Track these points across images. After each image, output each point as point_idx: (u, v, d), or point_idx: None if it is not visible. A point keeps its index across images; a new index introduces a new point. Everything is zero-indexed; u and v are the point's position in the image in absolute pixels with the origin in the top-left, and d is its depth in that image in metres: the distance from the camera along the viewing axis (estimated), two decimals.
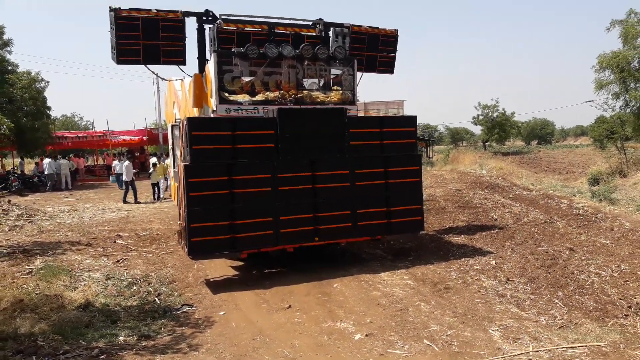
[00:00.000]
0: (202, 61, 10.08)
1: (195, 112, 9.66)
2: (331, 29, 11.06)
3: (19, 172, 27.36)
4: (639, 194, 15.24)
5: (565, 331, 6.04)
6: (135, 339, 5.99)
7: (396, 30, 11.87)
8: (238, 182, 8.04)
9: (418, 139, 12.47)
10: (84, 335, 6.02)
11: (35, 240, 11.28)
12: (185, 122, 8.08)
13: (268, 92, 9.15)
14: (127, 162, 19.10)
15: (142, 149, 35.12)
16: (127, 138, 33.46)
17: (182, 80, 11.15)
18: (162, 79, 12.23)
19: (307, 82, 9.78)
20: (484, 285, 7.72)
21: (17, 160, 31.58)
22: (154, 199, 18.69)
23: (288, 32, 10.74)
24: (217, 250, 8.02)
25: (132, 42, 9.65)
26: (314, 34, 10.96)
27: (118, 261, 9.49)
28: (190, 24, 9.96)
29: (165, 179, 18.79)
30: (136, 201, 18.17)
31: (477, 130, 63.50)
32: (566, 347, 5.53)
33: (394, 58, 12.05)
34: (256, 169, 8.20)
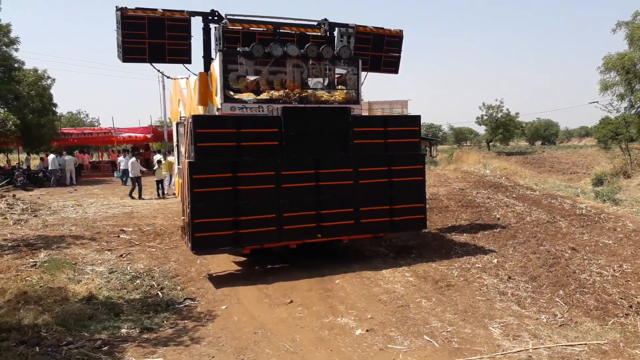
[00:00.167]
0: (207, 60, 10.16)
1: (200, 110, 9.73)
2: (336, 29, 11.11)
3: (25, 168, 27.56)
4: None
5: (565, 329, 6.07)
6: (138, 331, 6.06)
7: (401, 31, 11.91)
8: (242, 179, 8.10)
9: (422, 139, 12.50)
10: (87, 327, 6.09)
11: (40, 234, 11.37)
12: (190, 120, 8.14)
13: (273, 91, 9.20)
14: (132, 159, 19.20)
15: (147, 146, 35.25)
16: (132, 135, 33.59)
17: (187, 78, 11.22)
18: (168, 77, 12.34)
19: (311, 82, 9.82)
20: (485, 283, 7.76)
21: (23, 156, 31.79)
22: (158, 195, 18.77)
23: (293, 32, 10.80)
24: (220, 245, 8.08)
25: (138, 40, 9.73)
26: (319, 34, 11.01)
27: (121, 255, 9.56)
28: (196, 24, 10.06)
29: (170, 175, 18.87)
30: (140, 197, 18.26)
31: (481, 130, 63.39)
32: (566, 345, 5.57)
33: (398, 58, 12.09)
34: (260, 167, 8.25)
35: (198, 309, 6.89)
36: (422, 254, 9.48)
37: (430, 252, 9.61)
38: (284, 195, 8.36)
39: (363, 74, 10.19)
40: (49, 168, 24.77)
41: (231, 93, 8.84)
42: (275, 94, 9.15)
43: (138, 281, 8.03)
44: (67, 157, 25.96)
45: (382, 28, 11.65)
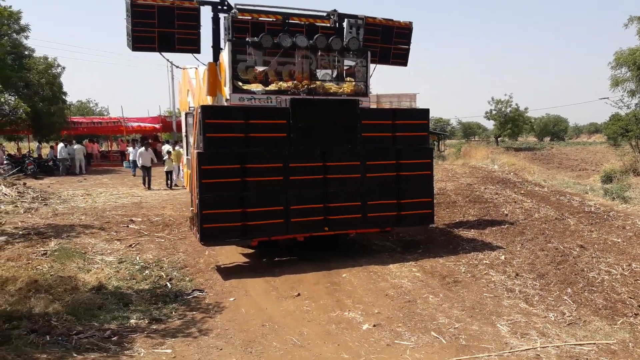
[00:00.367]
0: (216, 50, 10.12)
1: (209, 101, 9.72)
2: (345, 20, 11.03)
3: (36, 156, 27.74)
4: None
5: (573, 328, 6.05)
6: (147, 322, 6.11)
7: (410, 23, 11.81)
8: (250, 171, 8.11)
9: (430, 133, 12.42)
10: (96, 316, 6.15)
11: (50, 222, 11.46)
12: (199, 110, 8.14)
13: (281, 82, 9.18)
14: (142, 149, 19.22)
15: (156, 137, 35.35)
16: (141, 125, 33.71)
17: (196, 68, 11.20)
18: (177, 67, 12.26)
19: (320, 73, 9.78)
20: (493, 279, 7.74)
21: (34, 144, 32.00)
22: (167, 186, 18.83)
23: (302, 23, 10.73)
24: (228, 237, 8.11)
25: (148, 29, 9.69)
26: (328, 25, 10.94)
27: (131, 245, 9.62)
28: (206, 13, 10.00)
29: (179, 166, 18.91)
30: (149, 187, 18.34)
31: (490, 125, 63.01)
32: (574, 344, 5.55)
33: (407, 50, 11.99)
34: (268, 158, 8.25)
35: (206, 301, 6.93)
36: (429, 249, 9.47)
37: (438, 248, 9.59)
38: (291, 188, 8.36)
39: (372, 66, 10.13)
40: (58, 157, 24.94)
41: (240, 84, 8.83)
42: (284, 85, 9.12)
43: (147, 271, 8.08)
44: (76, 146, 26.10)
45: (392, 20, 11.54)
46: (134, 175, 22.27)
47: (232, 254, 9.30)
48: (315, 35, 9.19)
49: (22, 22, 26.31)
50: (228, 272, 8.21)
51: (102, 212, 12.90)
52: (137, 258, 8.79)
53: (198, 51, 10.21)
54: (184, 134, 13.24)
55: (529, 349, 5.39)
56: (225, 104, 8.84)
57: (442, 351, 5.39)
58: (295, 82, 9.14)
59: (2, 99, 20.33)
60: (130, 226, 11.26)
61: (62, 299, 6.53)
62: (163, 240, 10.17)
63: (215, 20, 10.11)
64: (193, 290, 7.34)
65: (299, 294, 7.12)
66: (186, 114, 12.44)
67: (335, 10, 10.83)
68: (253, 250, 9.44)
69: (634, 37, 20.74)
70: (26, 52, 26.97)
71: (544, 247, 9.23)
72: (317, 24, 10.86)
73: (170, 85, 37.60)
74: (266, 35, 8.93)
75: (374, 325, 6.02)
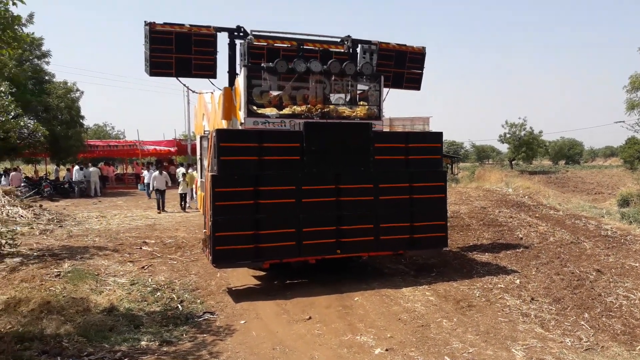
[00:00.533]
0: (232, 75, 10.30)
1: (224, 124, 9.85)
2: (359, 45, 11.18)
3: (54, 178, 28.18)
4: None
5: (591, 354, 5.92)
6: (157, 344, 6.09)
7: (424, 48, 11.92)
8: (263, 193, 8.15)
9: (443, 156, 12.41)
10: (107, 338, 6.15)
11: (64, 244, 11.57)
12: (214, 134, 8.25)
13: (295, 106, 9.28)
14: (156, 173, 19.38)
15: (171, 160, 35.74)
16: (157, 148, 34.15)
17: (212, 93, 11.38)
18: (193, 91, 12.48)
19: (333, 97, 9.88)
20: (508, 304, 7.62)
21: (51, 167, 32.53)
22: (181, 208, 18.92)
23: (316, 49, 10.91)
24: (240, 259, 8.11)
25: (165, 55, 9.91)
26: (342, 50, 11.09)
27: (143, 267, 9.66)
28: (222, 39, 10.21)
29: (191, 189, 19.05)
30: (163, 210, 18.46)
31: (504, 148, 62.74)
32: None
33: (421, 75, 12.08)
34: (281, 181, 8.29)
35: (217, 323, 6.90)
36: (443, 273, 9.36)
37: (452, 271, 9.48)
38: (304, 210, 8.37)
39: (385, 90, 10.21)
40: (74, 179, 25.32)
41: (254, 108, 8.94)
42: (298, 109, 9.22)
43: (158, 293, 8.09)
44: (91, 169, 26.47)
45: (405, 45, 11.68)
46: (149, 198, 22.46)
47: (244, 277, 9.29)
48: (329, 61, 9.32)
49: (44, 48, 27.09)
50: (239, 295, 8.19)
51: (115, 234, 13.01)
52: (149, 280, 8.82)
53: (214, 76, 10.41)
54: (198, 157, 13.38)
55: None
56: (240, 127, 8.95)
57: None
58: (309, 106, 9.23)
59: (22, 123, 20.76)
60: (143, 248, 11.32)
61: (73, 320, 6.56)
62: (175, 262, 10.20)
63: (232, 47, 10.32)
64: (204, 313, 7.32)
65: (310, 317, 7.06)
66: (201, 138, 12.60)
67: (349, 36, 11.00)
68: (264, 273, 9.42)
69: None
70: (46, 77, 27.68)
71: (559, 271, 9.08)
72: (331, 49, 11.02)
73: (186, 110, 38.20)
74: (281, 60, 9.07)
75: (387, 350, 5.94)
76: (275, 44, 10.71)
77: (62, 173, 30.71)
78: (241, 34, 10.26)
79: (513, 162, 57.09)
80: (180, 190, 19.06)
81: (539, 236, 12.11)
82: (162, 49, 9.84)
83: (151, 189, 19.92)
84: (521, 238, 12.05)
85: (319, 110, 9.19)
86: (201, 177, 12.23)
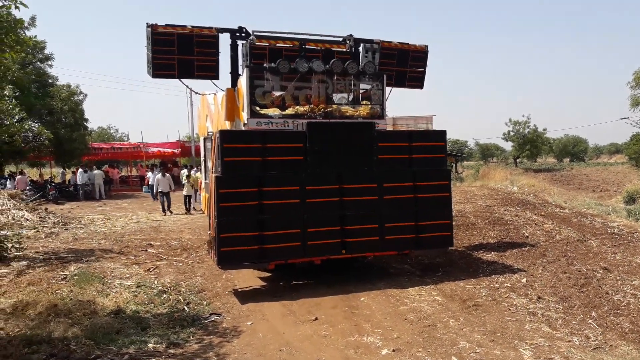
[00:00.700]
0: (234, 76, 10.30)
1: (227, 125, 9.85)
2: (361, 45, 11.16)
3: (60, 182, 28.29)
4: None
5: (599, 353, 5.88)
6: (164, 346, 6.09)
7: (426, 46, 11.90)
8: (267, 194, 8.14)
9: (447, 154, 12.37)
10: (114, 341, 6.15)
11: (70, 247, 11.60)
12: (217, 135, 8.25)
13: (298, 106, 9.26)
14: (159, 175, 19.37)
15: (175, 162, 35.82)
16: (161, 150, 34.24)
17: (215, 94, 11.39)
18: (196, 92, 12.52)
19: (336, 97, 9.86)
20: (515, 303, 7.58)
21: (55, 170, 32.65)
22: (187, 210, 18.94)
23: (319, 48, 10.89)
24: (245, 260, 8.10)
25: (167, 56, 9.92)
26: (344, 49, 11.07)
27: (149, 269, 9.67)
28: (224, 40, 10.21)
29: (195, 191, 19.07)
30: (170, 212, 18.48)
31: (508, 146, 62.61)
32: None
33: (423, 73, 12.06)
34: (285, 181, 8.28)
35: (223, 325, 6.90)
36: (449, 272, 9.33)
37: (457, 271, 9.45)
38: (308, 211, 8.36)
39: (388, 89, 10.19)
40: (78, 182, 25.42)
41: (257, 108, 8.93)
42: (301, 109, 9.21)
43: (165, 295, 8.10)
44: (95, 172, 26.58)
45: (407, 43, 11.65)
46: (154, 200, 22.50)
47: (249, 278, 9.28)
48: (331, 60, 9.31)
49: (47, 51, 27.20)
50: (245, 296, 8.19)
51: (121, 236, 13.04)
52: (155, 282, 8.82)
53: (217, 77, 10.41)
54: (202, 158, 13.40)
55: None
56: (243, 128, 8.95)
57: None
58: (312, 105, 9.22)
59: (26, 126, 20.85)
60: (149, 250, 11.34)
61: (81, 323, 6.57)
62: (181, 264, 10.21)
63: (234, 47, 10.32)
64: (210, 314, 7.32)
65: (316, 318, 7.05)
66: (205, 139, 12.61)
67: (351, 35, 10.98)
68: (270, 274, 9.41)
69: None
70: (50, 81, 27.78)
71: (566, 270, 9.03)
72: (333, 49, 11.00)
73: (189, 111, 38.26)
74: (283, 60, 9.06)
75: (393, 350, 5.92)
76: (277, 44, 10.70)
77: (69, 176, 30.83)
78: (243, 34, 10.26)
79: (517, 160, 56.94)
80: (184, 192, 19.08)
81: (545, 234, 12.06)
82: (164, 51, 9.85)
83: (155, 191, 19.97)
84: (527, 236, 12.00)
85: (322, 110, 9.18)
86: (205, 179, 12.24)
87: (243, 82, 9.05)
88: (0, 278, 8.88)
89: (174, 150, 34.64)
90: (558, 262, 9.58)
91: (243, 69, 9.61)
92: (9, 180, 24.56)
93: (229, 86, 10.08)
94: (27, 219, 14.76)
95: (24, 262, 9.88)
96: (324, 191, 8.48)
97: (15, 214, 14.90)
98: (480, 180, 28.34)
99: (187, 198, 19.01)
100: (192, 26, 9.95)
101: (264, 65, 9.32)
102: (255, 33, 10.21)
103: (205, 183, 12.22)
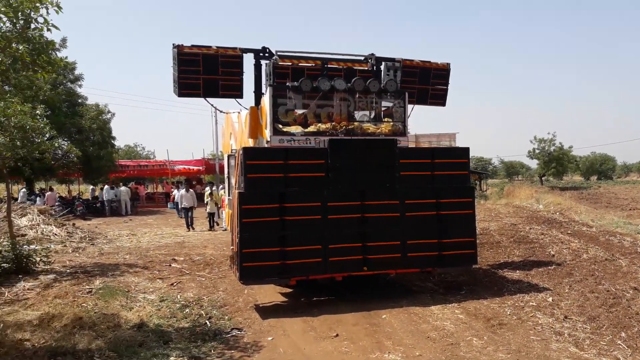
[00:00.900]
0: (258, 94, 10.47)
1: (250, 143, 9.99)
2: (383, 63, 11.26)
3: (90, 198, 28.96)
4: None
5: None
6: (186, 359, 6.14)
7: (448, 64, 11.92)
8: (289, 210, 8.20)
9: (471, 172, 12.28)
10: (137, 353, 6.23)
11: (96, 261, 11.83)
12: (240, 152, 8.38)
13: (320, 124, 9.35)
14: (183, 191, 19.68)
15: (199, 179, 36.30)
16: (186, 167, 34.78)
17: (239, 112, 11.57)
18: (220, 111, 12.78)
19: (358, 114, 9.93)
20: (540, 322, 7.42)
21: (84, 187, 33.43)
22: (210, 227, 19.10)
23: (341, 67, 11.02)
24: (267, 275, 8.14)
25: (193, 76, 10.14)
26: (366, 68, 11.18)
27: (172, 284, 9.78)
28: (248, 60, 10.42)
29: (218, 208, 19.27)
30: (192, 228, 18.71)
31: (533, 164, 61.74)
32: None
33: (446, 91, 12.06)
34: (307, 198, 8.33)
35: (245, 339, 6.92)
36: (472, 291, 9.20)
37: (481, 289, 9.30)
38: (330, 227, 8.38)
39: (410, 106, 10.22)
40: (104, 198, 26.00)
41: (280, 126, 9.05)
42: (323, 126, 9.29)
43: (187, 310, 8.17)
44: (122, 188, 27.15)
45: (429, 62, 11.69)
46: (179, 216, 22.79)
47: (271, 293, 9.31)
48: (353, 79, 9.40)
49: (77, 72, 28.08)
50: (266, 311, 8.21)
51: (145, 251, 13.23)
52: (178, 296, 8.91)
53: (241, 96, 10.59)
54: (226, 175, 13.56)
55: None
56: (266, 145, 9.07)
57: None
58: (334, 123, 9.30)
59: (56, 144, 21.45)
60: (173, 265, 11.48)
61: (104, 335, 6.67)
62: (204, 279, 10.30)
63: (257, 67, 10.50)
64: (232, 329, 7.35)
65: (337, 335, 7.01)
66: (228, 156, 12.78)
67: (372, 54, 11.09)
68: (291, 290, 9.42)
69: None
70: (79, 100, 28.63)
71: (594, 289, 8.81)
72: (355, 67, 11.12)
73: (214, 129, 38.80)
74: (306, 79, 9.19)
75: None
76: (299, 64, 10.87)
77: (98, 192, 31.49)
78: (266, 54, 10.45)
79: (543, 178, 56.03)
80: (208, 209, 19.29)
81: (572, 253, 11.80)
82: (190, 71, 10.07)
83: (179, 207, 20.27)
84: (553, 255, 11.76)
85: (344, 127, 9.25)
86: (228, 195, 12.39)
87: (266, 100, 9.19)
88: (28, 291, 9.10)
89: (199, 168, 35.15)
90: (585, 282, 9.36)
91: (266, 87, 9.78)
92: (39, 196, 25.26)
93: (253, 105, 10.25)
94: (56, 234, 15.13)
95: (51, 276, 10.11)
96: (345, 207, 8.51)
97: (44, 229, 15.29)
98: (505, 198, 27.97)
99: (211, 216, 19.21)
100: (217, 47, 10.18)
101: (287, 84, 9.48)
102: (279, 53, 10.39)
103: (228, 199, 12.36)
